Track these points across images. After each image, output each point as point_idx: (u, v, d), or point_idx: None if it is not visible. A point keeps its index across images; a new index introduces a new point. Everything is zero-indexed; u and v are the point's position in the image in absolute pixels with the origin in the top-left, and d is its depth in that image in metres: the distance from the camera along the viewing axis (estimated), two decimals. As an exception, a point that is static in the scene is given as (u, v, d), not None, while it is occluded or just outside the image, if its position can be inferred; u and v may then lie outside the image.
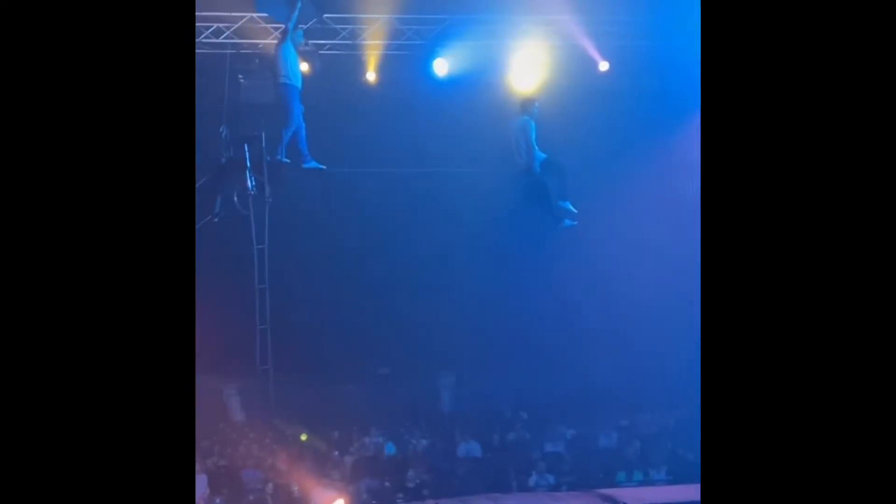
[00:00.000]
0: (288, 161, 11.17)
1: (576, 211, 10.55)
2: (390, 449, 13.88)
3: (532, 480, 12.76)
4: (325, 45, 12.70)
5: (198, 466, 12.70)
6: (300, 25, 11.13)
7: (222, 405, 14.90)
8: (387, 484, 12.61)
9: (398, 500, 12.30)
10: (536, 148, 10.37)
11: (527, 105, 10.65)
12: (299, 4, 10.82)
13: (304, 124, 11.09)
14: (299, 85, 11.02)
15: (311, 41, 12.58)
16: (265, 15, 12.36)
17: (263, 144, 11.92)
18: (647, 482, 12.33)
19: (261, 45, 12.54)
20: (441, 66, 12.88)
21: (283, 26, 11.35)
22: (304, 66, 12.68)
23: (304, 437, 14.22)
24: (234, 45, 12.24)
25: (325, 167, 11.30)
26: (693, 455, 12.58)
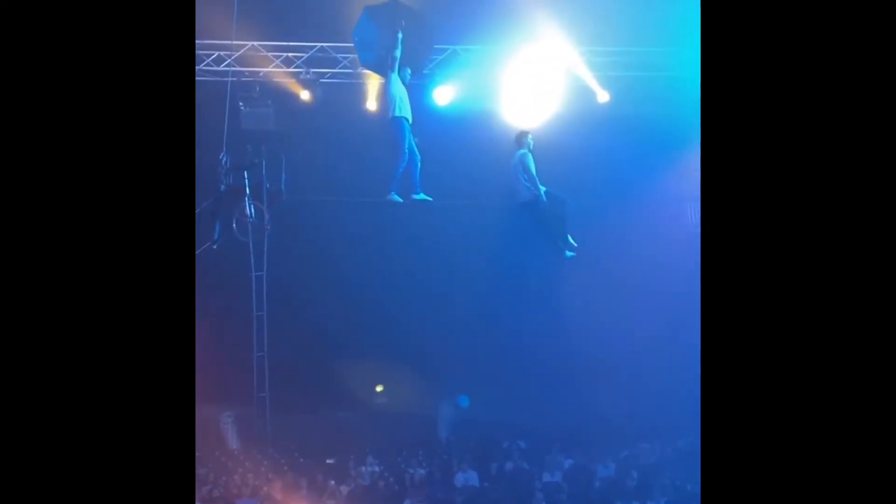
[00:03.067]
0: (401, 200, 10.91)
1: (576, 244, 10.55)
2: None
3: (530, 511, 12.64)
4: (325, 73, 12.77)
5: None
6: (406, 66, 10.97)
7: (218, 433, 14.81)
8: (383, 514, 12.49)
9: (395, 530, 12.19)
10: (538, 180, 10.39)
11: (521, 138, 10.67)
12: (400, 36, 10.65)
13: (419, 157, 10.88)
14: (410, 118, 10.83)
15: (311, 70, 12.65)
16: (267, 43, 12.40)
17: (263, 172, 11.93)
18: (645, 514, 12.22)
19: (262, 73, 12.61)
20: (442, 96, 12.93)
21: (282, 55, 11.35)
22: (304, 95, 12.75)
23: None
24: (235, 73, 12.29)
25: (431, 199, 11.01)
26: (692, 486, 12.49)
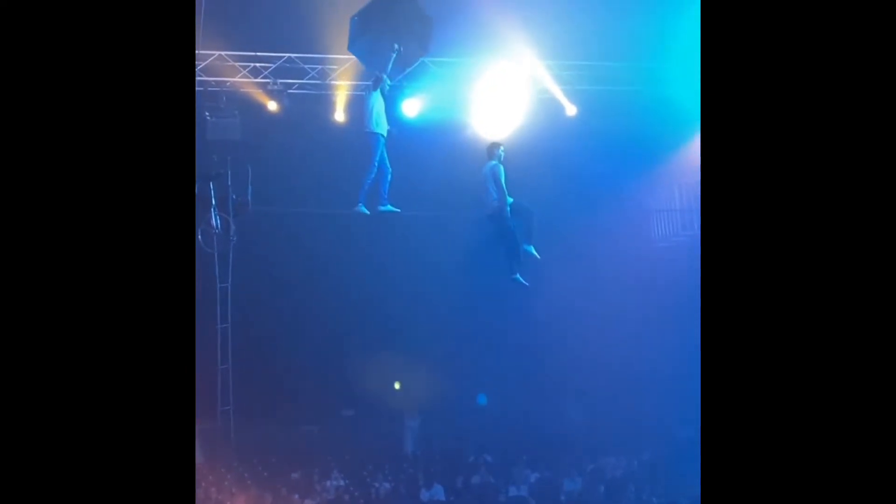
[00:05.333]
0: (367, 212, 10.83)
1: (539, 256, 10.52)
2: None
3: (496, 524, 12.62)
4: (293, 84, 12.70)
5: (155, 509, 12.39)
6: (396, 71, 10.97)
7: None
8: (348, 528, 12.40)
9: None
10: (506, 192, 10.38)
11: (493, 149, 10.66)
12: (394, 55, 10.61)
13: (390, 170, 10.81)
14: (385, 133, 10.82)
15: (279, 80, 12.58)
16: (234, 53, 12.30)
17: (229, 182, 11.83)
18: (611, 527, 12.26)
19: (228, 83, 12.50)
20: (410, 108, 12.91)
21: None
22: (271, 105, 12.67)
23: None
24: (202, 83, 12.18)
25: (399, 210, 10.96)
26: (657, 499, 12.53)
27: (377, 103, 10.75)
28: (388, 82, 10.98)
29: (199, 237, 11.45)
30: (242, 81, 12.52)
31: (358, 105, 12.81)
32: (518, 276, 10.60)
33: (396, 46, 10.64)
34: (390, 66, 10.77)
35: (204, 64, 12.12)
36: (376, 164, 10.75)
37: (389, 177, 10.86)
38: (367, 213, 10.87)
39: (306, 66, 12.63)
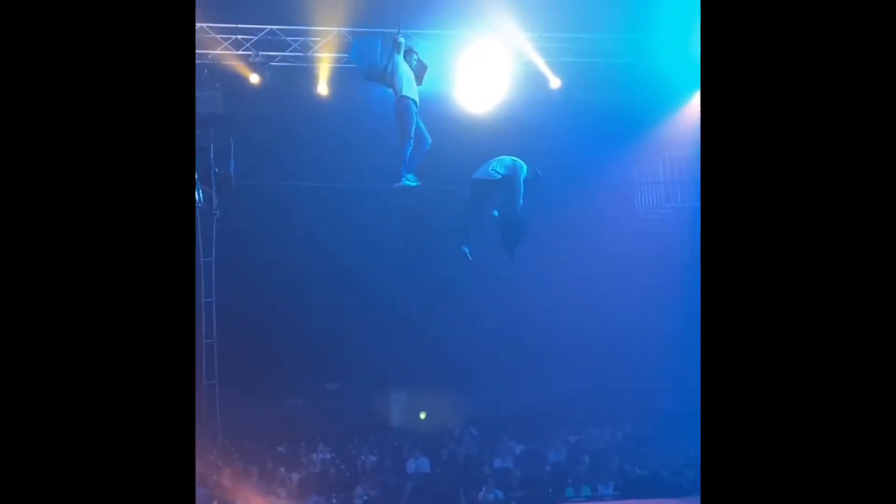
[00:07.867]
0: (417, 183, 10.47)
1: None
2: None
3: (481, 496, 12.71)
4: (275, 56, 12.58)
5: (140, 484, 12.39)
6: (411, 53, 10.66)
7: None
8: (334, 501, 12.46)
9: (346, 517, 12.17)
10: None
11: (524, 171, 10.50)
12: (402, 40, 10.45)
13: (428, 140, 10.44)
14: (417, 99, 10.43)
15: (261, 52, 12.46)
16: (215, 25, 12.17)
17: (212, 156, 11.74)
18: (595, 497, 12.36)
19: (210, 56, 12.38)
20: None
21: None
22: (253, 78, 12.55)
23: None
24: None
25: (419, 184, 10.56)
26: (640, 470, 12.64)
27: (405, 69, 10.47)
28: (416, 57, 10.74)
29: (182, 211, 11.36)
30: (224, 54, 12.39)
31: (341, 77, 12.75)
32: (466, 248, 10.57)
33: (401, 38, 10.48)
34: (402, 37, 10.50)
35: (185, 36, 11.98)
36: (413, 134, 10.36)
37: (427, 146, 10.48)
38: (416, 184, 10.50)
39: (288, 39, 12.51)
